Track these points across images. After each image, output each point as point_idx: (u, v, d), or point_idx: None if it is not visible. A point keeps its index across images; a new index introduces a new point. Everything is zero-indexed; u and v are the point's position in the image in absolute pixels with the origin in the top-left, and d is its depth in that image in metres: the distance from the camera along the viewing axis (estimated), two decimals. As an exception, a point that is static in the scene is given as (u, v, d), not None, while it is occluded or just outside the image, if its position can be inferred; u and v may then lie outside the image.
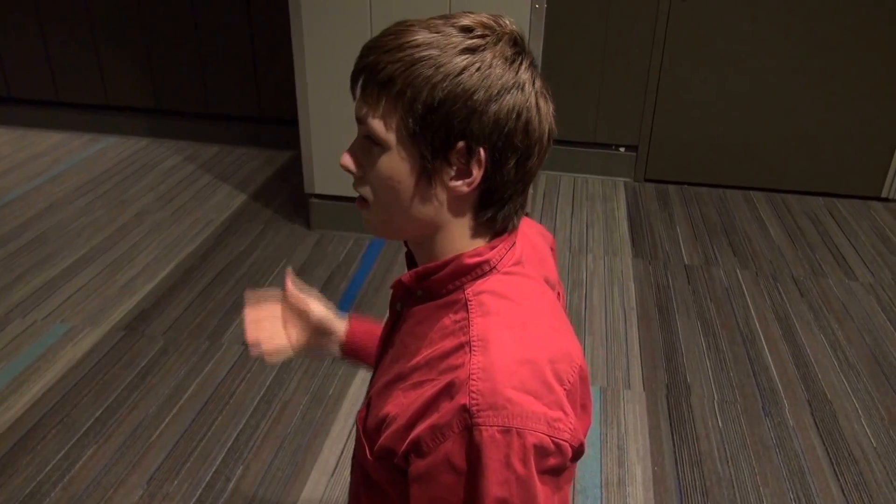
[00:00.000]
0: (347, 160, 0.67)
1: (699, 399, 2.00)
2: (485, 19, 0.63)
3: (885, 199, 3.20)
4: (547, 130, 0.65)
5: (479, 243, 0.67)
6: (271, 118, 3.58)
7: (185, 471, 1.73)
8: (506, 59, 0.61)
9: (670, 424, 1.91)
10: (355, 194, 0.68)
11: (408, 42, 0.60)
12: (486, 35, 0.61)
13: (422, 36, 0.61)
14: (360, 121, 0.64)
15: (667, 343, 2.23)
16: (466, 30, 0.61)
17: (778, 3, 2.91)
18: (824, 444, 1.85)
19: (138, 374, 2.04)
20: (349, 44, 2.44)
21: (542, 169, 3.80)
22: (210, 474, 1.73)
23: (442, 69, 0.59)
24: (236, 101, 3.56)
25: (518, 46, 0.63)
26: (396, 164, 0.63)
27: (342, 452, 1.80)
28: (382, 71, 0.61)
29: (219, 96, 3.57)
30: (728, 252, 2.74)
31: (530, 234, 0.78)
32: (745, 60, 3.02)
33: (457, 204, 0.65)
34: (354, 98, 0.66)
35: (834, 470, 1.77)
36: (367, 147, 0.65)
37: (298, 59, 2.49)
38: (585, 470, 1.76)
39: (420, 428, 0.61)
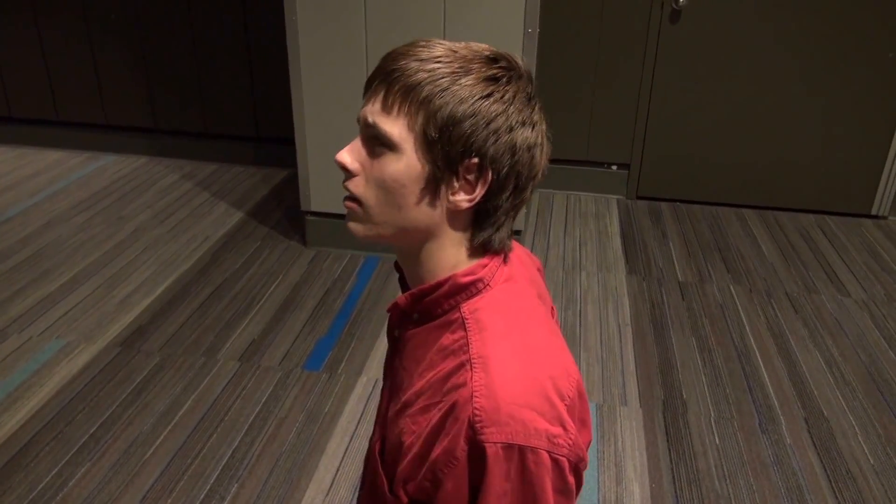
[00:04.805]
0: (345, 157, 0.66)
1: (696, 416, 2.00)
2: (505, 53, 0.66)
3: (876, 216, 3.24)
4: (543, 168, 0.69)
5: (472, 262, 0.68)
6: (268, 137, 3.61)
7: (179, 489, 1.72)
8: (526, 97, 0.65)
9: (667, 441, 1.90)
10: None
11: (436, 57, 0.63)
12: (511, 69, 0.65)
13: (449, 54, 0.64)
14: (371, 122, 0.64)
15: (662, 359, 2.23)
16: (491, 59, 0.65)
17: (768, 22, 2.97)
18: (822, 462, 1.85)
19: (133, 391, 2.04)
20: (344, 65, 2.47)
21: (536, 187, 3.87)
22: (204, 492, 1.71)
23: (468, 88, 0.62)
24: (234, 120, 3.59)
25: (533, 87, 0.67)
26: (406, 168, 0.64)
27: (338, 470, 1.79)
28: (412, 76, 0.62)
29: (216, 115, 3.60)
30: (721, 269, 2.76)
31: (518, 253, 0.79)
32: (735, 79, 3.07)
33: (452, 219, 0.66)
34: (364, 98, 0.66)
35: (832, 487, 1.77)
36: (371, 148, 0.65)
37: (295, 80, 2.52)
38: (583, 487, 1.75)
39: (435, 453, 0.61)
